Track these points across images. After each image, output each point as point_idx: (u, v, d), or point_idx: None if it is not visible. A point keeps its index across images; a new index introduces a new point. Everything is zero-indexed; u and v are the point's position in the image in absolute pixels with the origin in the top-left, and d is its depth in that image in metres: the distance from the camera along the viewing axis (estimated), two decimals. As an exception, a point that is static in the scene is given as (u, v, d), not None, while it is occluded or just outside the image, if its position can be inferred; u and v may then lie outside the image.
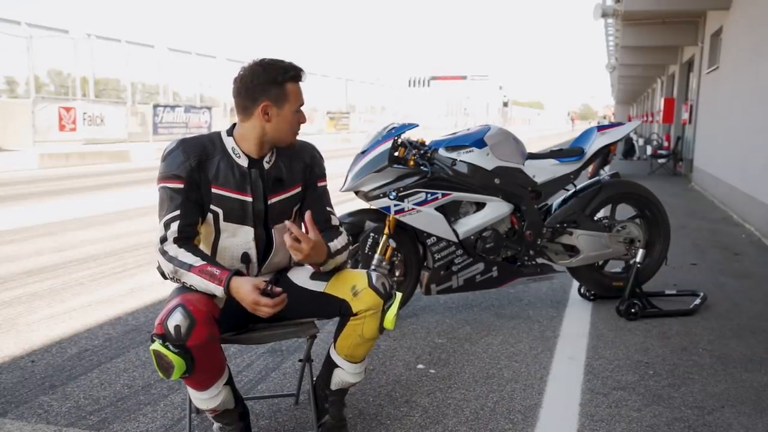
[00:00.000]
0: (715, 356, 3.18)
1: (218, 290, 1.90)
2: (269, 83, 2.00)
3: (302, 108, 2.10)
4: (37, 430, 2.35)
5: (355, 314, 2.06)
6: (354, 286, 2.07)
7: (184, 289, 1.98)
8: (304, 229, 1.98)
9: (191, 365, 1.85)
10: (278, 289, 1.93)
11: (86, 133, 15.86)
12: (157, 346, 1.83)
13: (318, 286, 2.14)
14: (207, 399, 2.02)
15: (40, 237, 5.80)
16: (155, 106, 18.21)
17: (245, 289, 1.88)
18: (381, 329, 2.10)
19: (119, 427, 2.37)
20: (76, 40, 16.67)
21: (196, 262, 1.92)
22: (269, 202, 2.12)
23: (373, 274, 2.10)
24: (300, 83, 2.06)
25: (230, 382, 2.09)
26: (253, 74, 2.00)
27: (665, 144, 15.21)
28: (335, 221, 2.24)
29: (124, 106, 17.67)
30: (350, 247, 2.25)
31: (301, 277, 2.19)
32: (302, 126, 2.13)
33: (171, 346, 1.82)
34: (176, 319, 1.82)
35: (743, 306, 4.04)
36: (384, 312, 2.08)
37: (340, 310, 2.09)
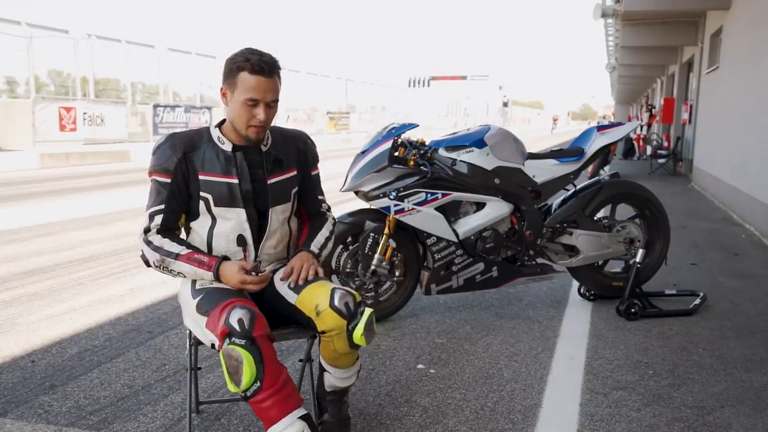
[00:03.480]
0: (715, 356, 3.18)
1: (207, 275, 2.02)
2: (229, 68, 2.04)
3: (263, 103, 2.02)
4: (37, 430, 2.35)
5: (323, 332, 2.04)
6: (317, 305, 2.01)
7: (216, 298, 1.97)
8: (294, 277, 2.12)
9: (259, 360, 1.84)
10: (264, 270, 2.06)
11: (86, 133, 15.86)
12: (225, 345, 1.84)
13: (291, 297, 2.11)
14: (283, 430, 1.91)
15: (40, 237, 5.80)
16: (155, 106, 18.21)
17: (232, 270, 2.01)
18: (353, 345, 2.04)
19: (119, 427, 2.38)
20: (76, 40, 16.65)
21: (182, 250, 2.04)
22: (269, 182, 2.16)
23: (337, 293, 2.01)
24: (260, 77, 1.99)
25: (308, 419, 1.95)
26: (227, 58, 2.07)
27: (665, 144, 15.21)
28: (324, 207, 2.37)
29: (124, 106, 17.66)
30: (334, 229, 2.34)
31: (281, 282, 2.16)
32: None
33: (237, 341, 1.84)
34: (238, 314, 1.86)
35: (743, 306, 4.04)
36: (351, 331, 2.01)
37: (310, 325, 2.08)
